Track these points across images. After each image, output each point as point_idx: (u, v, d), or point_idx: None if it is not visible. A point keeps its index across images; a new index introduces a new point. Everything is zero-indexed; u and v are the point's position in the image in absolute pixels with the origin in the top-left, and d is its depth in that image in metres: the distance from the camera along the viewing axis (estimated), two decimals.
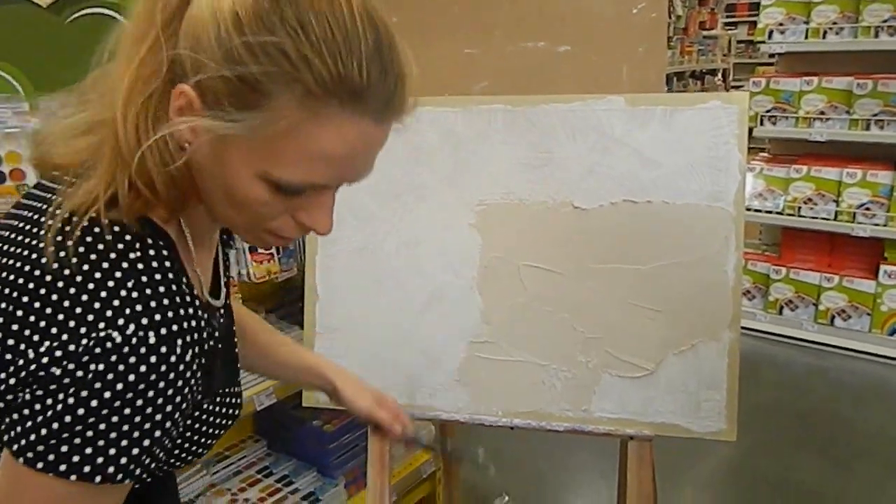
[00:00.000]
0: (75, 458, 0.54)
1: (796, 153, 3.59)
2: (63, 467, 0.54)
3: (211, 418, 0.69)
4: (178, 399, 0.56)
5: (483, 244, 1.39)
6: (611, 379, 1.34)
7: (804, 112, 3.46)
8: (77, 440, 0.54)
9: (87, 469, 0.55)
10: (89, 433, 0.54)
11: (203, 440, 0.69)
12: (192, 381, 0.58)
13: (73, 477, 0.55)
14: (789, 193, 3.46)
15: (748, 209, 3.52)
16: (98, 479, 0.55)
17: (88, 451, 0.54)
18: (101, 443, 0.54)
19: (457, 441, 1.76)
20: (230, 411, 0.71)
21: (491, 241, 1.39)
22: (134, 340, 0.54)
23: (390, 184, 1.40)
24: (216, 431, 0.70)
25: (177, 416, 0.57)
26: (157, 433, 0.56)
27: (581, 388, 1.36)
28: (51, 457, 0.54)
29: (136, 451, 0.56)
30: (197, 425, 0.67)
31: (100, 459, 0.55)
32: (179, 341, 0.56)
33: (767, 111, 3.56)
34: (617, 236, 1.33)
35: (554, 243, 1.36)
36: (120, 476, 0.56)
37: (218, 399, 0.69)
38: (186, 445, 0.67)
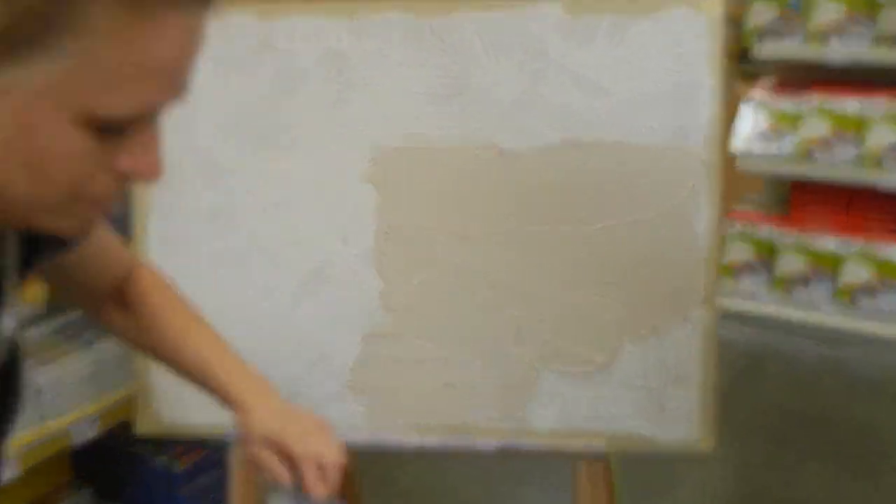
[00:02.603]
0: None
1: (807, 79, 3.74)
2: None
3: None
4: None
5: (380, 203, 1.43)
6: (551, 377, 1.42)
7: (817, 25, 3.62)
8: None
9: None
10: None
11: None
12: None
13: None
14: (798, 133, 3.62)
15: (747, 155, 3.69)
16: None
17: None
18: None
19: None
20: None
21: (390, 199, 1.43)
22: None
23: (249, 124, 1.42)
24: None
25: None
26: None
27: (513, 389, 1.42)
28: None
29: None
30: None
31: None
32: None
33: (769, 23, 3.70)
34: (555, 188, 1.40)
35: (473, 200, 1.42)
36: None
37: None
38: None
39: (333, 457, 0.98)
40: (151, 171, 0.66)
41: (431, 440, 1.43)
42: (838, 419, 3.00)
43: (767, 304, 3.71)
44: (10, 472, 1.55)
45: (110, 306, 1.02)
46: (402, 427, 1.45)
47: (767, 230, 3.73)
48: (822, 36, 3.62)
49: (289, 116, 1.42)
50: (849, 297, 3.60)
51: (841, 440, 2.86)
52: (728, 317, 3.62)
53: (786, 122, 3.68)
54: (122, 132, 0.63)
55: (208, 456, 1.86)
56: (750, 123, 3.75)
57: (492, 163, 1.41)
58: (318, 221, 1.44)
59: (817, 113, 3.59)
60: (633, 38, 1.37)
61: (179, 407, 1.43)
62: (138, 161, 0.65)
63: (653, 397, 1.41)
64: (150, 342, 1.04)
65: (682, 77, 1.37)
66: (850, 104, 3.55)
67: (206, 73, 1.40)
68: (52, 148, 0.61)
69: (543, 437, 1.42)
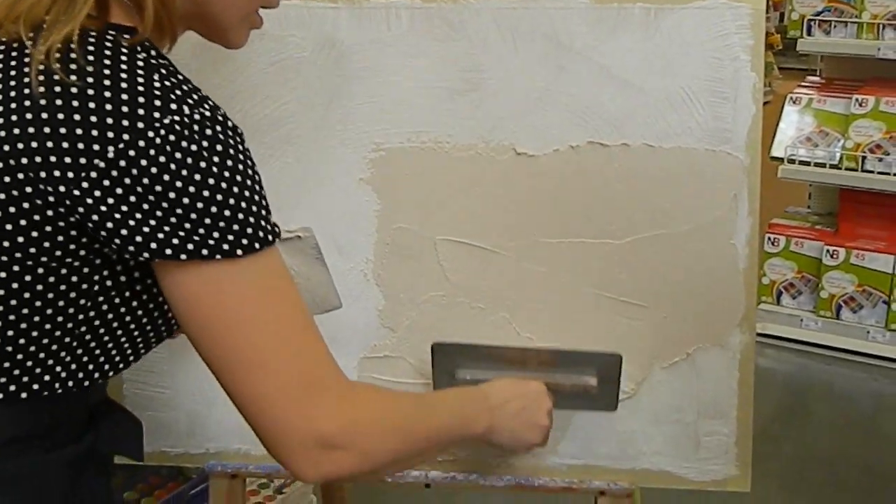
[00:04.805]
0: (260, 226, 0.93)
1: (860, 77, 3.76)
2: (264, 237, 0.93)
3: None
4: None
5: (382, 209, 1.45)
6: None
7: (871, 15, 3.64)
8: (228, 213, 0.90)
9: (271, 231, 0.94)
10: (231, 202, 0.90)
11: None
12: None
13: (272, 240, 0.94)
14: (849, 137, 3.64)
15: (791, 161, 3.71)
16: (272, 235, 0.94)
17: (240, 219, 0.91)
18: (244, 206, 0.91)
19: None
20: None
21: (393, 205, 1.45)
22: (201, 112, 0.90)
23: (238, 116, 1.43)
24: None
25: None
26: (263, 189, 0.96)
27: None
28: (227, 240, 0.90)
29: (263, 203, 0.95)
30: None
31: (250, 225, 0.92)
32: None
33: (818, 13, 3.73)
34: (577, 196, 1.41)
35: (485, 207, 1.43)
36: (270, 237, 0.94)
37: None
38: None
39: None
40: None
41: (435, 475, 1.44)
42: None
43: (813, 331, 3.72)
44: None
45: None
46: None
47: (814, 247, 3.74)
48: (877, 27, 3.64)
49: (282, 110, 1.44)
50: None
51: None
52: (767, 343, 3.63)
53: (835, 125, 3.69)
54: None
55: (183, 492, 1.87)
56: (793, 126, 3.76)
57: (507, 166, 1.42)
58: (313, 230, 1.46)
59: (870, 115, 3.60)
60: (668, 29, 1.39)
61: (154, 431, 1.44)
62: None
63: (686, 432, 1.42)
64: None
65: (722, 73, 1.39)
66: None
67: (189, 60, 1.43)
68: None
69: (562, 474, 1.44)
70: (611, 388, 1.36)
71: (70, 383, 0.98)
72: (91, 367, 0.99)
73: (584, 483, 1.44)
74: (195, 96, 0.92)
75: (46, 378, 0.96)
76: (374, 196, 1.44)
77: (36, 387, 0.96)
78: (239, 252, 0.91)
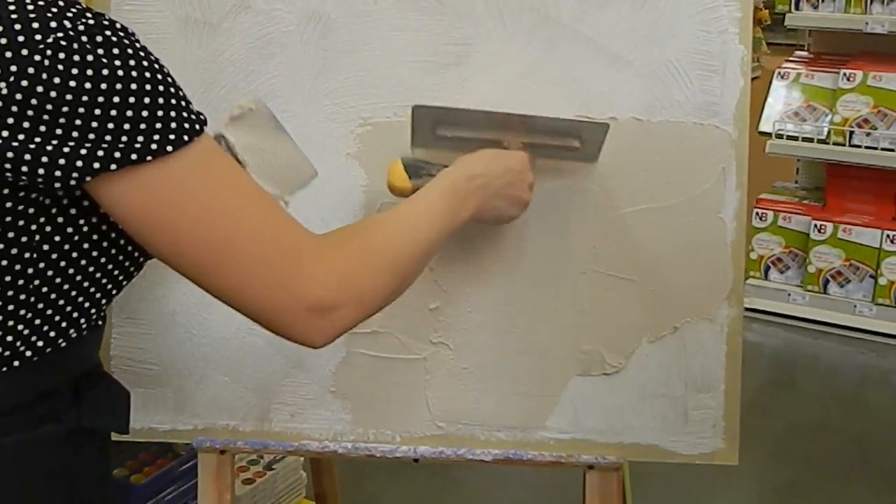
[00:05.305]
0: (190, 114, 0.92)
1: (847, 52, 3.77)
2: (197, 126, 0.92)
3: None
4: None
5: (369, 184, 1.44)
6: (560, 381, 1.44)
7: None
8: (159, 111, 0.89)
9: (200, 117, 0.93)
10: (146, 100, 0.88)
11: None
12: None
13: (205, 127, 0.93)
14: (837, 112, 3.65)
15: (778, 136, 3.72)
16: (186, 137, 0.90)
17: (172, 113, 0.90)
18: (160, 102, 0.89)
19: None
20: None
21: (381, 180, 1.44)
22: (84, 23, 0.87)
23: (223, 92, 1.43)
24: None
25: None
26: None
27: (517, 396, 1.44)
28: (153, 139, 0.88)
29: (179, 94, 0.92)
30: None
31: (172, 119, 0.89)
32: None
33: None
34: (565, 171, 1.41)
35: None
36: (197, 126, 0.93)
37: None
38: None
39: None
40: None
41: (424, 450, 1.45)
42: (882, 437, 3.01)
43: (800, 305, 3.74)
44: None
45: None
46: (391, 436, 1.46)
47: (801, 221, 3.75)
48: (864, 2, 3.64)
49: (267, 84, 1.43)
50: (891, 297, 3.63)
51: (885, 462, 2.87)
52: (754, 318, 3.65)
53: (822, 100, 3.70)
54: None
55: (173, 468, 1.87)
56: (781, 101, 3.77)
57: None
58: (298, 205, 1.45)
59: (857, 90, 3.61)
60: (656, 1, 1.38)
61: (141, 408, 1.44)
62: None
63: (675, 406, 1.42)
64: None
65: (710, 46, 1.39)
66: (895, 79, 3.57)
67: (175, 35, 1.42)
68: None
69: (550, 448, 1.44)
70: (594, 147, 1.36)
71: (42, 345, 0.96)
72: (64, 324, 0.98)
73: (573, 457, 1.44)
74: (74, 9, 0.88)
75: (19, 345, 0.94)
76: (362, 171, 1.44)
77: (8, 353, 0.94)
78: (169, 148, 0.89)
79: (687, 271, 1.42)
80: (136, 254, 1.02)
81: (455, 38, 1.42)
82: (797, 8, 3.75)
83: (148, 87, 0.88)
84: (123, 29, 0.90)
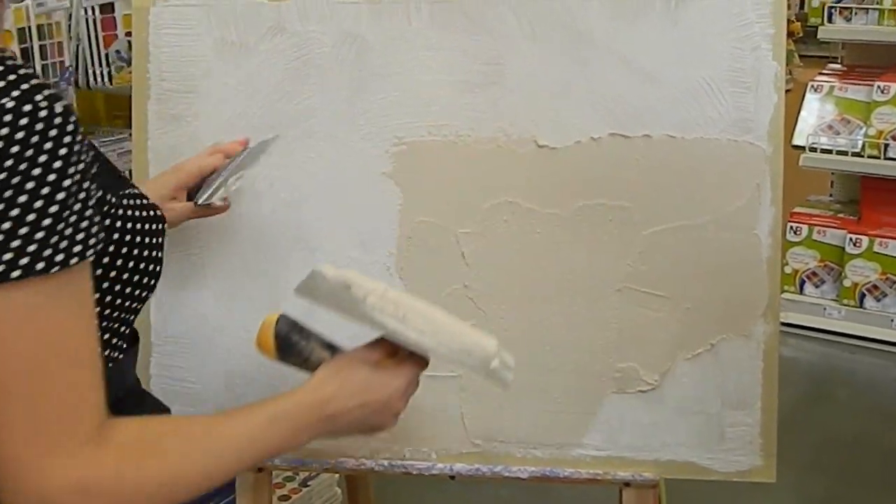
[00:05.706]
0: (44, 250, 0.79)
1: (881, 64, 3.74)
2: (40, 265, 0.79)
3: (129, 221, 1.01)
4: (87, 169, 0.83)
5: (403, 203, 1.45)
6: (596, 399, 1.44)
7: (893, 1, 3.62)
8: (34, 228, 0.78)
9: (59, 256, 0.80)
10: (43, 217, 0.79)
11: (139, 252, 1.01)
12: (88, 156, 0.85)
13: (55, 269, 0.79)
14: (871, 124, 3.62)
15: (812, 149, 3.69)
16: (73, 260, 0.80)
17: (41, 235, 0.79)
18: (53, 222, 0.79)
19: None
20: (147, 213, 1.04)
21: (415, 199, 1.45)
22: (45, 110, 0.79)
23: (258, 115, 1.45)
24: (145, 240, 1.02)
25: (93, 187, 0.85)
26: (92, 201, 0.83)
27: (553, 413, 1.44)
28: (23, 260, 0.78)
29: (87, 219, 0.82)
30: (119, 224, 0.99)
31: (64, 241, 0.80)
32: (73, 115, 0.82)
33: (839, 1, 3.71)
34: (600, 188, 1.41)
35: (508, 200, 1.43)
36: (86, 251, 0.82)
37: (124, 200, 1.01)
38: (127, 256, 1.00)
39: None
40: None
41: (460, 468, 1.45)
42: None
43: (836, 319, 3.70)
44: None
45: None
46: (427, 453, 1.46)
47: (837, 235, 3.73)
48: None
49: (303, 104, 1.45)
50: None
51: None
52: (790, 332, 3.62)
53: (857, 113, 3.67)
54: None
55: None
56: (815, 114, 3.75)
57: (529, 158, 1.43)
58: (333, 224, 1.47)
59: (892, 101, 3.59)
60: (689, 19, 1.39)
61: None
62: None
63: (708, 422, 1.42)
64: None
65: (743, 63, 1.39)
66: None
67: (212, 58, 1.44)
68: None
69: (587, 465, 1.44)
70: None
71: None
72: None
73: (609, 474, 1.44)
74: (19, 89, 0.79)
75: None
76: (397, 190, 1.45)
77: None
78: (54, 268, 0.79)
79: (722, 288, 1.42)
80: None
81: (488, 58, 1.43)
82: (830, 21, 3.73)
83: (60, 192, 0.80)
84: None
